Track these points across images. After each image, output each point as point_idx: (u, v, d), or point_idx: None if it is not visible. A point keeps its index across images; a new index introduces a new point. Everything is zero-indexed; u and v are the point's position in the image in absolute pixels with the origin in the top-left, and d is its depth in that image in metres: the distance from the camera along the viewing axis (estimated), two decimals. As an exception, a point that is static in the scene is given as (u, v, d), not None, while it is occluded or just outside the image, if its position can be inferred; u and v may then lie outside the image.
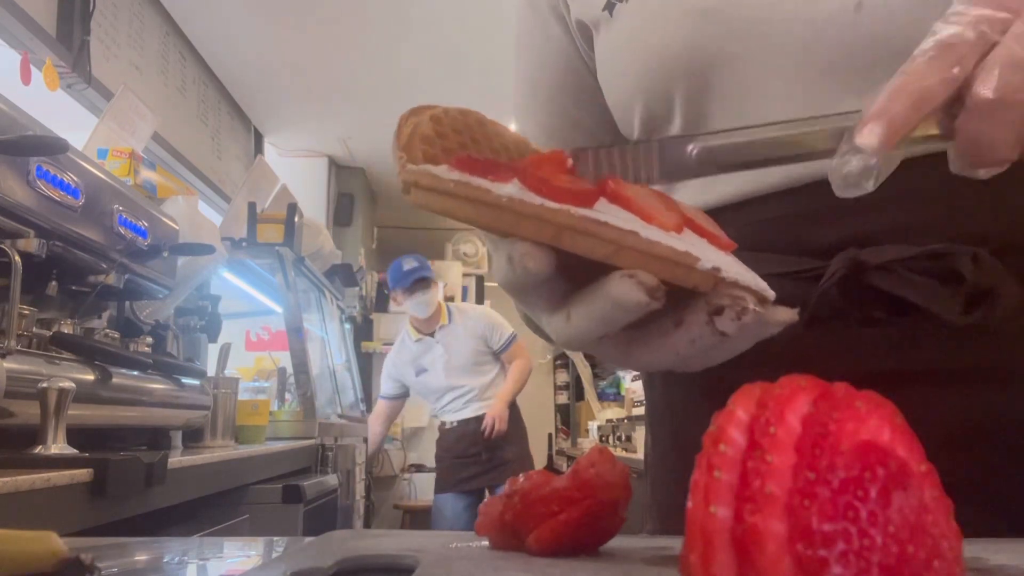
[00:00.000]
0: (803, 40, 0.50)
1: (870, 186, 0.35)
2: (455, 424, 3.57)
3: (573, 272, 0.33)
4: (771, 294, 0.35)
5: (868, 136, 0.34)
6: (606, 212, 0.32)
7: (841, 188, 0.35)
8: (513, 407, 3.63)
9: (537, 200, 0.32)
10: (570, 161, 0.37)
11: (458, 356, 3.54)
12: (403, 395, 3.82)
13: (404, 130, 0.37)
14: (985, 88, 0.32)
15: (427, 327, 3.58)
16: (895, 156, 0.35)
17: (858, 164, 0.34)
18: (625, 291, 0.31)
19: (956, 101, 0.34)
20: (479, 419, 3.50)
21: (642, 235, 0.31)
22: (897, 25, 0.48)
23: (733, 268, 0.34)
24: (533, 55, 0.69)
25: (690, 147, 0.39)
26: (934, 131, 0.35)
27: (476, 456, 3.49)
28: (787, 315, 0.35)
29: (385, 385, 3.82)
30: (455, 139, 0.38)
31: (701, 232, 0.36)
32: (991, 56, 0.33)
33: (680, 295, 0.33)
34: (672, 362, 0.35)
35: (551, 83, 0.68)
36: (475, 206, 0.33)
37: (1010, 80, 0.32)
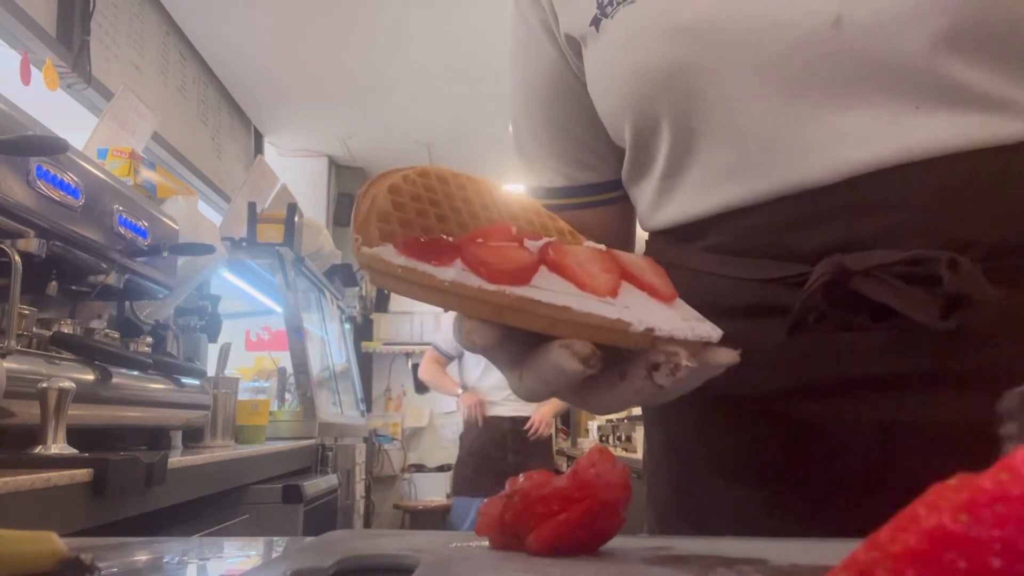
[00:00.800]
0: (782, 55, 0.51)
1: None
2: (483, 421, 3.44)
3: (522, 336, 0.36)
4: (715, 337, 0.38)
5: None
6: (544, 285, 0.35)
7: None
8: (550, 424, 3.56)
9: (476, 283, 0.34)
10: (515, 228, 0.40)
11: None
12: (452, 356, 3.65)
13: (362, 206, 0.39)
14: None
15: None
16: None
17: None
18: (562, 360, 0.34)
19: None
20: (514, 420, 3.39)
21: (575, 308, 0.34)
22: (877, 39, 0.49)
23: (669, 323, 0.36)
24: (526, 68, 0.70)
25: None
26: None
27: (501, 460, 3.38)
28: (729, 357, 0.38)
29: (442, 340, 3.67)
30: (413, 207, 0.40)
31: (641, 285, 0.39)
32: None
33: (621, 350, 0.36)
34: (624, 406, 0.39)
35: (544, 95, 0.69)
36: (422, 289, 0.35)
37: None
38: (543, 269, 0.36)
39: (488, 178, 0.47)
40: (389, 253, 0.36)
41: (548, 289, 0.35)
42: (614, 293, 0.36)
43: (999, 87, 0.49)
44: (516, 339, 0.36)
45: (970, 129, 0.48)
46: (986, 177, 0.49)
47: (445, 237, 0.37)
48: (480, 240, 0.37)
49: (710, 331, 0.38)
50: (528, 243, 0.38)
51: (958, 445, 0.47)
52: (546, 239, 0.39)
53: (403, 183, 0.40)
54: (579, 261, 0.37)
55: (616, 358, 0.36)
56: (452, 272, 0.34)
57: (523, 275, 0.35)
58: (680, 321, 0.37)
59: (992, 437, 0.47)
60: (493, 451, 3.41)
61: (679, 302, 0.41)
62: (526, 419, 3.47)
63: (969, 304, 0.45)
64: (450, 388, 3.62)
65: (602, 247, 0.41)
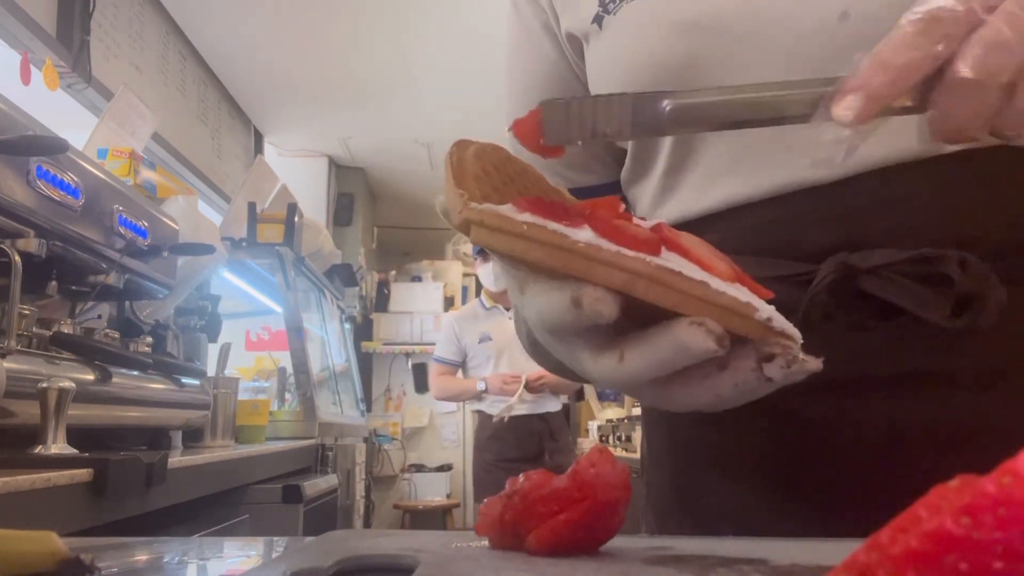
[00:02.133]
0: (788, 49, 0.51)
1: (841, 158, 0.34)
2: (507, 420, 3.08)
3: (630, 314, 0.33)
4: (800, 338, 0.36)
5: (844, 109, 0.34)
6: (672, 261, 0.33)
7: (824, 156, 0.35)
8: (563, 418, 3.26)
9: (613, 247, 0.32)
10: (623, 206, 0.37)
11: None
12: (458, 363, 3.31)
13: (456, 167, 0.37)
14: (965, 67, 0.32)
15: (502, 301, 3.24)
16: (869, 129, 0.35)
17: (832, 135, 0.34)
18: (694, 338, 0.31)
19: (934, 73, 0.33)
20: (540, 418, 3.06)
21: (712, 286, 0.32)
22: (883, 33, 0.49)
23: (779, 316, 0.34)
24: (524, 68, 0.69)
25: (664, 103, 0.38)
26: (907, 102, 0.35)
27: (537, 461, 3.04)
28: (815, 364, 0.35)
29: (442, 348, 3.34)
30: (497, 177, 0.38)
31: (743, 280, 0.37)
32: (976, 34, 0.32)
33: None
34: (709, 403, 0.36)
35: (543, 96, 0.68)
36: (546, 249, 0.33)
37: (991, 61, 0.32)
38: (663, 248, 0.34)
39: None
40: (508, 209, 0.33)
41: (679, 264, 0.33)
42: (734, 279, 0.35)
43: None
44: (627, 316, 0.33)
45: None
46: (991, 175, 0.49)
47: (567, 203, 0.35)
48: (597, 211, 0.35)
49: (797, 332, 0.36)
50: (637, 221, 0.36)
51: (964, 445, 0.47)
52: (656, 220, 0.37)
53: (483, 153, 0.38)
54: (694, 243, 0.36)
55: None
56: (586, 234, 0.32)
57: (655, 245, 0.33)
58: (782, 316, 0.36)
59: (999, 437, 0.47)
60: (530, 453, 3.07)
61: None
62: (556, 415, 3.17)
63: (980, 303, 0.45)
64: (470, 387, 3.24)
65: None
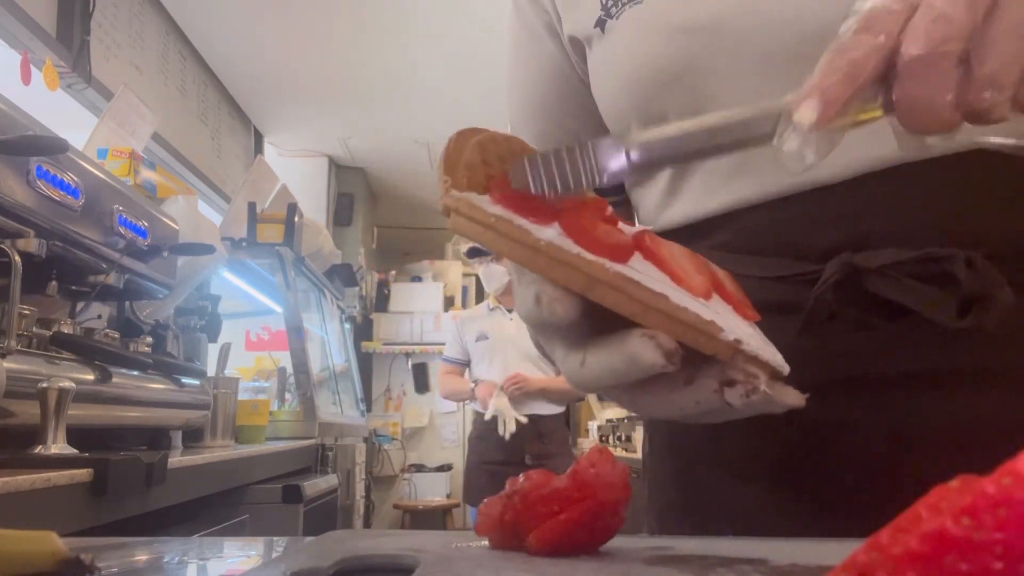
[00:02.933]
0: (790, 53, 0.51)
1: (812, 157, 0.34)
2: (489, 421, 3.03)
3: (594, 316, 0.33)
4: (785, 369, 0.35)
5: (804, 113, 0.34)
6: (639, 269, 0.33)
7: (787, 166, 0.35)
8: (561, 423, 3.20)
9: (575, 249, 0.32)
10: (609, 209, 0.37)
11: (526, 340, 2.83)
12: (463, 362, 3.31)
13: (450, 154, 0.37)
14: (912, 46, 0.32)
15: (506, 302, 3.21)
16: (837, 132, 0.34)
17: (797, 141, 0.34)
18: (643, 351, 0.31)
19: (891, 70, 0.33)
20: (532, 422, 3.01)
21: (672, 299, 0.32)
22: None
23: (753, 341, 0.34)
24: (527, 69, 0.69)
25: (624, 149, 0.39)
26: (877, 112, 0.35)
27: (519, 465, 2.97)
28: (795, 399, 0.35)
29: (448, 347, 3.37)
30: (499, 167, 0.37)
31: (727, 298, 0.37)
32: (915, 17, 0.33)
33: (696, 353, 0.33)
34: (674, 416, 0.36)
35: (545, 96, 0.68)
36: (512, 243, 0.33)
37: (934, 34, 0.32)
38: (637, 255, 0.34)
39: None
40: (482, 200, 0.34)
41: (645, 274, 0.32)
42: (708, 294, 0.34)
43: None
44: (591, 319, 0.34)
45: (979, 128, 0.48)
46: (996, 175, 0.49)
47: (545, 199, 0.35)
48: (576, 211, 0.34)
49: (783, 362, 0.36)
50: (622, 226, 0.36)
51: (970, 445, 0.47)
52: (641, 227, 0.37)
53: (490, 142, 0.38)
54: (673, 255, 0.35)
55: (685, 362, 0.34)
56: (550, 233, 0.32)
57: (622, 252, 0.33)
58: (763, 342, 0.35)
59: (1002, 437, 0.47)
60: (513, 456, 3.03)
61: (756, 327, 0.38)
62: (549, 418, 3.12)
63: (986, 303, 0.45)
64: (464, 387, 3.26)
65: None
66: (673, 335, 0.32)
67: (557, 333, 0.35)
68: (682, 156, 0.38)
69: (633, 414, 4.23)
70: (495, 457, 3.06)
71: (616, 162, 0.38)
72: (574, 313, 0.32)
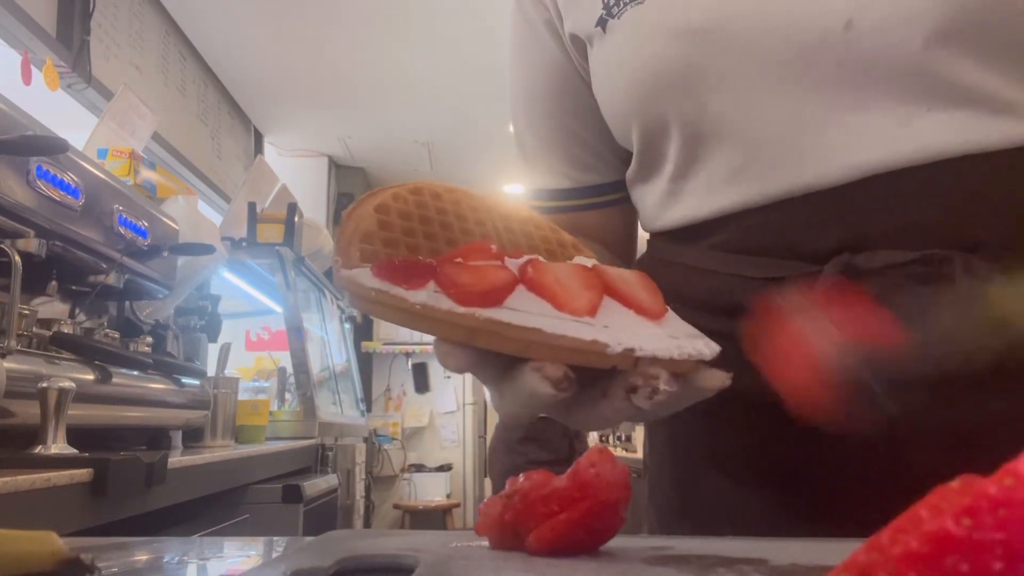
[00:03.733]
0: (792, 57, 0.51)
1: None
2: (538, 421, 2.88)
3: (499, 358, 0.35)
4: (707, 355, 0.37)
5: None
6: (519, 306, 0.34)
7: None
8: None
9: (447, 305, 0.33)
10: (494, 247, 0.39)
11: None
12: None
13: (347, 228, 0.38)
14: None
15: None
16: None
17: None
18: (533, 384, 0.33)
19: None
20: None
21: (546, 331, 0.33)
22: (888, 41, 0.49)
23: (653, 343, 0.35)
24: (528, 68, 0.69)
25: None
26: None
27: (568, 463, 2.93)
28: (718, 380, 0.37)
29: None
30: (400, 225, 0.39)
31: (627, 302, 0.38)
32: None
33: (607, 369, 0.35)
34: (602, 425, 0.38)
35: (547, 96, 0.68)
36: (395, 311, 0.35)
37: None
38: (520, 289, 0.35)
39: (489, 192, 0.46)
40: (364, 276, 0.35)
41: (521, 310, 0.34)
42: (592, 312, 0.35)
43: (1009, 89, 0.49)
44: (493, 361, 0.35)
45: (979, 131, 0.48)
46: (995, 179, 0.49)
47: (420, 258, 0.37)
48: (458, 260, 0.36)
49: (703, 348, 0.37)
50: (509, 261, 0.37)
51: (970, 446, 0.47)
52: (528, 257, 0.38)
53: (392, 201, 0.40)
54: (558, 279, 0.36)
55: (599, 376, 0.36)
56: (423, 295, 0.34)
57: (495, 296, 0.34)
58: (667, 340, 0.36)
59: (1002, 438, 0.47)
60: (561, 455, 2.97)
61: (671, 317, 0.39)
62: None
63: (984, 304, 0.45)
64: None
65: (589, 263, 0.41)
66: (565, 361, 0.33)
67: (477, 375, 0.37)
68: None
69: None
70: (544, 457, 3.00)
71: None
72: (467, 363, 0.35)
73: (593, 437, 5.00)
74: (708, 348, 0.37)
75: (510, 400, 0.36)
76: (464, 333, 0.34)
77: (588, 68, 0.64)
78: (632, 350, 0.34)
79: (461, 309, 0.33)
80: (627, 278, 0.40)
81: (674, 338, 0.37)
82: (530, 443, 3.08)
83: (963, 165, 0.48)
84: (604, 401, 0.36)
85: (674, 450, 0.63)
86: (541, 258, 0.38)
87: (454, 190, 0.43)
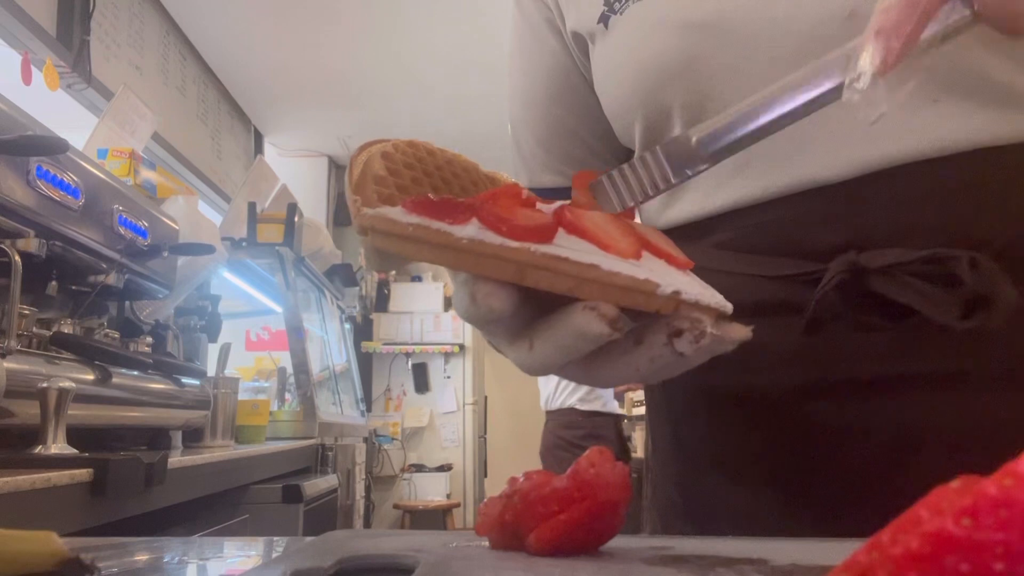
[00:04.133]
0: (796, 50, 0.50)
1: (884, 106, 0.33)
2: (581, 415, 2.88)
3: (533, 302, 0.34)
4: (729, 308, 0.36)
5: (868, 58, 0.33)
6: (566, 245, 0.33)
7: (859, 118, 0.34)
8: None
9: (497, 240, 0.32)
10: (525, 192, 0.37)
11: None
12: None
13: (355, 170, 0.37)
14: None
15: None
16: (912, 68, 0.33)
17: (867, 89, 0.33)
18: (588, 323, 0.32)
19: None
20: (614, 418, 2.83)
21: (603, 267, 0.32)
22: None
23: (692, 288, 0.34)
24: (528, 67, 0.69)
25: (693, 140, 0.39)
26: (965, 22, 0.34)
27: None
28: (742, 333, 0.36)
29: None
30: (408, 175, 0.38)
31: (659, 253, 0.37)
32: None
33: (641, 313, 0.34)
34: (632, 378, 0.36)
35: (547, 94, 0.68)
36: (435, 249, 0.33)
37: None
38: (561, 231, 0.34)
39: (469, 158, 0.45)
40: (397, 212, 0.34)
41: (572, 248, 0.33)
42: (637, 255, 0.35)
43: (1018, 78, 0.48)
44: (529, 305, 0.34)
45: (987, 124, 0.48)
46: (1001, 174, 0.48)
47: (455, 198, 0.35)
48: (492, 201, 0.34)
49: (725, 302, 0.36)
50: (540, 206, 0.36)
51: (972, 447, 0.47)
52: (560, 202, 0.37)
53: (394, 151, 0.38)
54: (597, 224, 0.35)
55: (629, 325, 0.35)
56: (470, 229, 0.32)
57: (545, 232, 0.33)
58: (701, 287, 0.36)
59: (1008, 439, 0.47)
60: (619, 456, 2.99)
61: (692, 274, 0.39)
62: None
63: (990, 304, 0.45)
64: None
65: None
66: (613, 301, 0.32)
67: (500, 326, 0.36)
68: (752, 134, 0.38)
69: (633, 414, 4.24)
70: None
71: (687, 156, 0.38)
72: (511, 304, 0.33)
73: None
74: (727, 304, 0.37)
75: (546, 348, 0.34)
76: (514, 270, 0.32)
77: (588, 65, 0.64)
78: (678, 292, 0.33)
79: (514, 243, 0.32)
80: (651, 231, 0.39)
81: (706, 288, 0.37)
82: (591, 440, 3.10)
83: (969, 160, 0.48)
84: (638, 349, 0.34)
85: (677, 450, 0.63)
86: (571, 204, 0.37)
87: (444, 150, 0.42)
